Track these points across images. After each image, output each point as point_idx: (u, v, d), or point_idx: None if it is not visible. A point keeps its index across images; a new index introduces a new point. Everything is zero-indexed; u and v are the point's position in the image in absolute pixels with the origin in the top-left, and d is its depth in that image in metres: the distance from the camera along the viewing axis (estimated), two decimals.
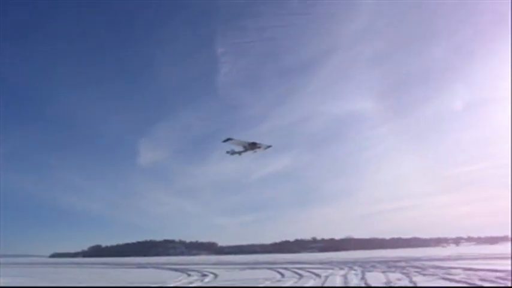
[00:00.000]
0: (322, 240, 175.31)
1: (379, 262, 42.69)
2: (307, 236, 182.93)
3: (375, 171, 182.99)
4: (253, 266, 43.63)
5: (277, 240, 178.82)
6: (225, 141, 35.17)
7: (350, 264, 40.89)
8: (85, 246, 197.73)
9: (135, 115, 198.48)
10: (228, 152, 37.37)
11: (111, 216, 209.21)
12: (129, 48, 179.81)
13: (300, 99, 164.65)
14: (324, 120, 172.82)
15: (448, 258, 46.42)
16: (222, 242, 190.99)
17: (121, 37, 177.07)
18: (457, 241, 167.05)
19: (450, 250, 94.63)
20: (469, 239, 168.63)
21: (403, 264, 37.85)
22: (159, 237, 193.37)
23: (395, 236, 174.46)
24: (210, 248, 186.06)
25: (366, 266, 36.51)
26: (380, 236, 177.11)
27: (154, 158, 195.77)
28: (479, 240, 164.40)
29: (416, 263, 38.18)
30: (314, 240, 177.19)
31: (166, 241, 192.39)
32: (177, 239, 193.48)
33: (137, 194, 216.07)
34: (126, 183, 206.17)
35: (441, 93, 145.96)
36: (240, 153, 36.93)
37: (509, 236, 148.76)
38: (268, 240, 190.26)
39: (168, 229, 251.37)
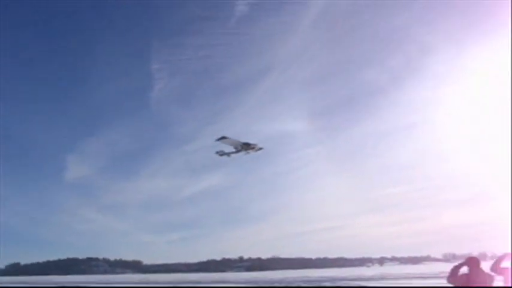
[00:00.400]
0: (249, 259, 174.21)
1: (304, 281, 42.41)
2: (234, 255, 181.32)
3: (304, 191, 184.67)
4: (177, 285, 42.37)
5: (204, 259, 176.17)
6: (218, 139, 33.28)
7: (276, 283, 40.38)
8: (2, 264, 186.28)
9: (65, 130, 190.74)
10: (217, 153, 35.59)
11: (33, 233, 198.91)
12: (61, 62, 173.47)
13: (232, 118, 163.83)
14: (255, 139, 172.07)
15: (371, 278, 46.72)
16: (147, 261, 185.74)
17: (53, 51, 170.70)
18: (381, 261, 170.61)
19: (374, 270, 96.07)
20: (393, 259, 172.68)
21: (327, 284, 37.55)
22: (82, 255, 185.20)
23: (322, 255, 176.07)
24: (135, 267, 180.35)
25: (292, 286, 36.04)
26: (306, 256, 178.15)
27: (82, 174, 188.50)
28: (403, 260, 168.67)
29: (341, 283, 37.95)
30: (241, 260, 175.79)
31: (89, 259, 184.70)
32: (100, 256, 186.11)
33: (63, 211, 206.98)
34: (52, 199, 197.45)
35: (370, 116, 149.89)
36: (229, 154, 35.17)
37: (431, 256, 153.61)
38: (194, 259, 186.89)
39: (92, 246, 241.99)
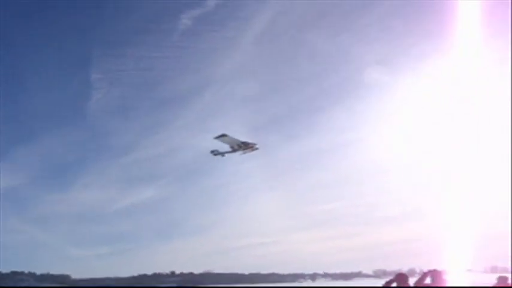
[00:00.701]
0: (181, 274, 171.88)
1: None
2: (166, 269, 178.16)
3: (239, 206, 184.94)
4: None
5: (135, 274, 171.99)
6: (217, 137, 31.98)
7: None
8: None
9: None
10: (212, 152, 34.36)
11: None
12: None
13: (170, 131, 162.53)
14: (192, 153, 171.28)
15: None
16: (76, 275, 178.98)
17: None
18: (313, 277, 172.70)
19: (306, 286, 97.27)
20: (325, 275, 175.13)
21: None
22: (5, 269, 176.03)
23: (254, 271, 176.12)
24: (63, 281, 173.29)
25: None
26: (239, 271, 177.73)
27: (11, 183, 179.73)
28: (335, 276, 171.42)
29: None
30: (173, 274, 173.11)
31: (14, 273, 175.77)
32: (26, 270, 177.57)
33: None
34: None
35: (307, 133, 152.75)
36: (223, 154, 34.00)
37: (362, 272, 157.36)
38: (125, 273, 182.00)
39: (17, 260, 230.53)
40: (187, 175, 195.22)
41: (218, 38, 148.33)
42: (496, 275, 14.48)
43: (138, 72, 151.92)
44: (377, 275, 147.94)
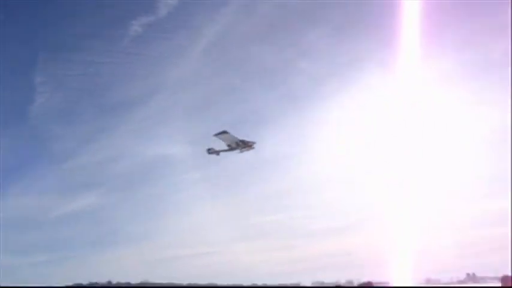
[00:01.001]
0: (118, 283, 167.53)
1: None
2: (102, 279, 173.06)
3: (181, 215, 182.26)
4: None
5: (69, 283, 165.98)
6: (218, 134, 30.27)
7: None
8: None
9: None
10: (208, 150, 32.39)
11: None
12: None
13: (114, 137, 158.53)
14: (136, 161, 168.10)
15: None
16: (6, 284, 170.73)
17: None
18: None
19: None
20: (264, 287, 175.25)
21: None
22: None
23: (192, 281, 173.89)
24: None
25: None
26: (177, 282, 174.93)
27: None
28: None
29: None
30: (109, 284, 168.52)
31: None
32: None
33: None
34: None
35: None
36: (218, 153, 32.19)
37: (301, 284, 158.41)
38: (59, 282, 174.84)
39: None
40: (130, 183, 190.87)
41: (168, 46, 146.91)
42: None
43: (85, 77, 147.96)
44: (315, 286, 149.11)
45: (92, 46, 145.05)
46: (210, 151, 34.72)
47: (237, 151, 33.61)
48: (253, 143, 33.31)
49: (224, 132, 31.74)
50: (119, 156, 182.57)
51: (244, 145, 33.01)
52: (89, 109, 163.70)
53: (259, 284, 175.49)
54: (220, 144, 33.67)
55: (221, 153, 34.58)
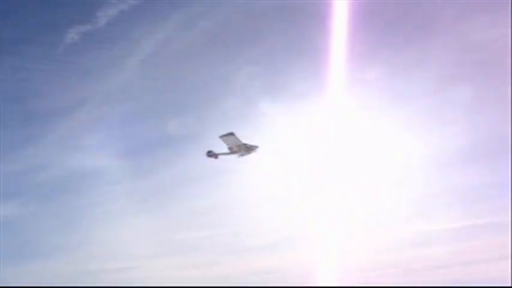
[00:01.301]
0: None
1: None
2: None
3: (104, 228, 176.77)
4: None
5: None
6: (224, 135, 29.76)
7: None
8: None
9: None
10: (208, 153, 32.38)
11: None
12: None
13: (40, 146, 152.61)
14: (61, 171, 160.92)
15: None
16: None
17: None
18: None
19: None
20: None
21: None
22: None
23: None
24: None
25: None
26: None
27: None
28: None
29: None
30: None
31: None
32: None
33: None
34: None
35: (182, 159, 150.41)
36: (217, 156, 32.20)
37: None
38: None
39: None
40: (54, 193, 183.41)
41: (104, 57, 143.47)
42: None
43: (13, 83, 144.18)
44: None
45: (24, 51, 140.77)
46: (210, 154, 34.34)
47: (238, 155, 33.55)
48: (256, 147, 33.26)
49: (231, 134, 31.21)
50: (44, 165, 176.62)
51: (247, 149, 32.95)
52: (15, 116, 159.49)
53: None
54: (221, 147, 33.44)
55: (220, 157, 34.43)
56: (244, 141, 31.47)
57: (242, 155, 32.60)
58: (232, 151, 32.61)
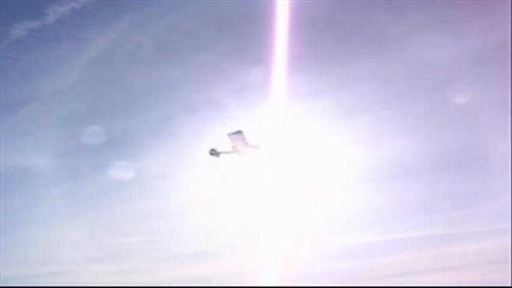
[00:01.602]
0: None
1: None
2: None
3: (39, 231, 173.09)
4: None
5: None
6: (233, 133, 28.69)
7: None
8: None
9: None
10: (211, 151, 31.30)
11: None
12: None
13: None
14: None
15: None
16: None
17: None
18: None
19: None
20: None
21: None
22: None
23: None
24: None
25: None
26: None
27: None
28: None
29: None
30: None
31: None
32: None
33: None
34: None
35: (108, 167, 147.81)
36: (219, 154, 31.21)
37: None
38: None
39: None
40: None
41: (51, 55, 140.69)
42: None
43: None
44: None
45: None
46: (212, 152, 33.48)
47: (239, 154, 32.90)
48: (259, 145, 32.78)
49: (239, 132, 30.74)
50: None
51: (251, 148, 32.38)
52: None
53: None
54: (224, 145, 32.75)
55: (221, 155, 33.72)
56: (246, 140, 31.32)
57: (242, 154, 32.10)
58: (235, 150, 32.19)
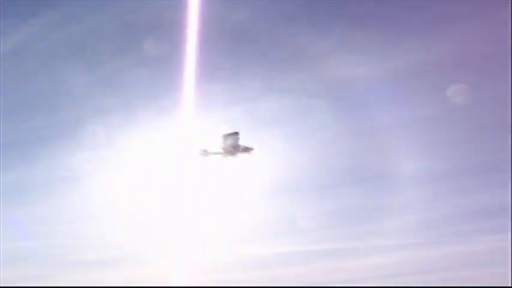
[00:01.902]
0: None
1: None
2: None
3: None
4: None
5: None
6: (230, 134, 27.31)
7: None
8: None
9: None
10: (202, 151, 29.43)
11: None
12: None
13: None
14: None
15: None
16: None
17: None
18: None
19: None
20: None
21: None
22: None
23: None
24: None
25: None
26: None
27: None
28: None
29: None
30: None
31: None
32: None
33: None
34: None
35: (25, 164, 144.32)
36: (207, 155, 29.49)
37: None
38: None
39: None
40: None
41: None
42: None
43: None
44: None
45: None
46: (203, 152, 32.39)
47: (231, 155, 31.97)
48: (252, 149, 31.95)
49: (236, 133, 30.01)
50: None
51: (243, 150, 31.51)
52: None
53: None
54: (214, 146, 31.80)
55: (211, 157, 32.70)
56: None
57: (235, 155, 31.45)
58: (226, 151, 31.49)
